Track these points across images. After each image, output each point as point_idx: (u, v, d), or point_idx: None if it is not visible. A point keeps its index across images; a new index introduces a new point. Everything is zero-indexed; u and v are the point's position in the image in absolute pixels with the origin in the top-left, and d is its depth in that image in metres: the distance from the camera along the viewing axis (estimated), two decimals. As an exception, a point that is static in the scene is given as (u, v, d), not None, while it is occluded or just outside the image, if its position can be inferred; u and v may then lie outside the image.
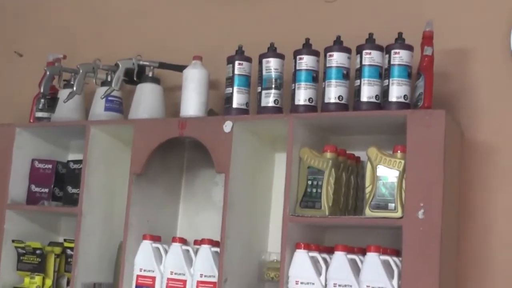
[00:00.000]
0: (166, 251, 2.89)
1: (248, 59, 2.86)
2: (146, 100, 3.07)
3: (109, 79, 3.12)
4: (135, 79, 3.11)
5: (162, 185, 3.10)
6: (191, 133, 2.84)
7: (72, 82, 3.12)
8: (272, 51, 2.80)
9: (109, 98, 3.12)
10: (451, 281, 2.62)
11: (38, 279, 3.18)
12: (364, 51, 2.63)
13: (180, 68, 2.99)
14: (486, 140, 2.78)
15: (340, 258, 2.53)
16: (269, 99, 2.75)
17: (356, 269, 2.52)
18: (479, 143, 2.78)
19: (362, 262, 2.51)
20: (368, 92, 2.60)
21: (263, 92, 2.77)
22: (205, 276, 2.77)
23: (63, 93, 3.20)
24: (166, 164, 3.12)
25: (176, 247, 2.85)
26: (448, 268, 2.54)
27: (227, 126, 2.75)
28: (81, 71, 3.07)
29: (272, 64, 2.77)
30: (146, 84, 3.10)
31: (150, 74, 3.13)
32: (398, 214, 2.46)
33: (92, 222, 3.07)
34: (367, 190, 2.54)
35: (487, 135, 2.78)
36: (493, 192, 2.75)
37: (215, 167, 2.77)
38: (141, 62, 3.12)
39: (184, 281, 2.80)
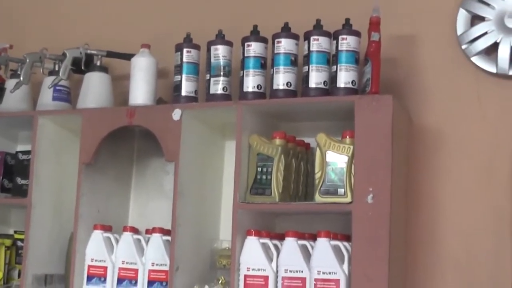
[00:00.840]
0: (117, 241, 2.86)
1: (197, 47, 2.85)
2: (94, 89, 3.03)
3: (56, 68, 3.08)
4: (82, 68, 3.07)
5: (112, 175, 3.08)
6: (140, 121, 2.82)
7: (19, 72, 3.06)
8: (220, 39, 2.79)
9: (57, 87, 3.08)
10: (400, 265, 2.65)
11: (-10, 272, 3.15)
12: (311, 37, 2.63)
13: (128, 57, 2.96)
14: (434, 125, 2.81)
15: (291, 244, 2.54)
16: (218, 86, 2.74)
17: (307, 255, 2.53)
18: (427, 128, 2.81)
19: (312, 247, 2.53)
20: (316, 78, 2.61)
21: (212, 79, 2.76)
22: (156, 264, 2.76)
23: (10, 83, 3.15)
24: (116, 154, 3.09)
25: (127, 236, 2.83)
26: (398, 252, 2.57)
27: (176, 114, 2.73)
28: (27, 60, 3.02)
29: (220, 52, 2.76)
30: (94, 73, 3.06)
31: (98, 63, 3.09)
32: (348, 199, 2.48)
33: (42, 213, 3.03)
34: (317, 176, 2.55)
35: (434, 120, 2.82)
36: (441, 177, 2.79)
37: (165, 156, 2.76)
38: (88, 51, 3.08)
39: (136, 270, 2.79)
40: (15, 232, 3.27)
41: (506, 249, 2.68)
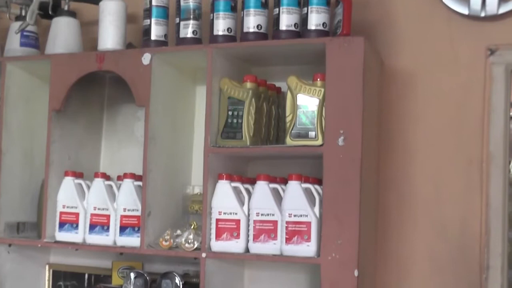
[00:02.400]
0: (88, 187, 2.85)
1: (166, -10, 2.80)
2: (63, 34, 2.97)
3: (23, 13, 3.02)
4: (50, 13, 3.01)
5: (82, 122, 3.05)
6: (110, 66, 2.78)
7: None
8: (190, -19, 2.74)
9: (24, 33, 3.02)
10: (371, 207, 2.66)
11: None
12: (279, -21, 2.60)
13: (96, 1, 2.90)
14: (406, 67, 2.80)
15: (262, 188, 2.54)
16: (188, 30, 2.70)
17: (279, 198, 2.53)
18: (399, 71, 2.80)
19: (284, 191, 2.53)
20: (287, 21, 2.58)
21: (182, 23, 2.71)
22: (128, 210, 2.75)
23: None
24: (86, 101, 3.07)
25: (98, 182, 2.82)
26: (369, 195, 2.58)
27: (146, 58, 2.70)
28: (-8, 4, 2.97)
29: (190, -6, 2.72)
30: (62, 18, 2.99)
31: (66, 8, 3.02)
32: (319, 142, 2.48)
33: (12, 161, 3.00)
34: (288, 119, 2.54)
35: (406, 63, 2.81)
36: (413, 120, 2.79)
37: (135, 101, 2.72)
38: (55, -5, 3.02)
39: (108, 216, 2.78)
40: (-14, 180, 3.23)
41: (475, 191, 2.70)
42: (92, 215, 2.80)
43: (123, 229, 2.75)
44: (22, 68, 3.02)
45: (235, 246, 2.55)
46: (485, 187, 2.69)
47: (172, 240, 2.65)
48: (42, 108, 2.94)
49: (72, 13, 3.03)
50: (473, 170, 2.71)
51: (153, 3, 2.76)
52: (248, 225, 2.54)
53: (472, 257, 2.70)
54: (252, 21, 2.61)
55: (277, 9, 2.59)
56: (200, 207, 2.72)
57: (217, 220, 2.56)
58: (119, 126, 3.17)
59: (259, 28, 2.61)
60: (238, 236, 2.54)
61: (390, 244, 2.79)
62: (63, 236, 2.84)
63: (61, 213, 2.85)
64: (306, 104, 2.51)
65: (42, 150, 2.91)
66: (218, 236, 2.56)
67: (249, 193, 2.58)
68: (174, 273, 2.84)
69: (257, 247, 2.52)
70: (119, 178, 2.86)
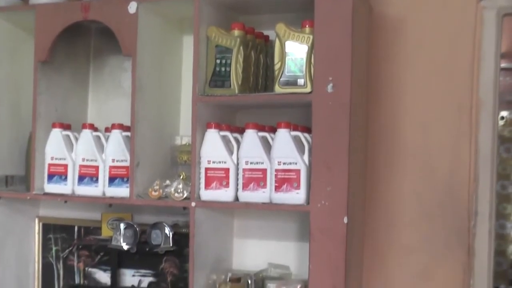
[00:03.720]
0: (76, 139, 2.83)
1: None
2: (47, -17, 2.93)
3: (5, -37, 2.97)
4: (33, -38, 2.96)
5: (69, 73, 3.02)
6: (95, 16, 2.74)
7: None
8: None
9: (8, -17, 2.98)
10: (360, 154, 2.66)
11: None
12: None
13: None
14: (395, 13, 2.78)
15: (251, 136, 2.52)
16: (174, -23, 2.67)
17: (267, 147, 2.52)
18: (388, 17, 2.78)
19: (273, 139, 2.52)
20: (274, -33, 2.55)
21: (168, -30, 2.68)
22: (117, 161, 2.73)
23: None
24: (72, 52, 3.03)
25: (86, 133, 2.79)
26: (358, 142, 2.57)
27: (132, 7, 2.66)
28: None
29: None
30: (45, -33, 2.95)
31: (49, -43, 2.97)
32: (307, 89, 2.46)
33: (-1, 115, 2.98)
34: (276, 67, 2.52)
35: (395, 9, 2.79)
36: (402, 66, 2.78)
37: (122, 50, 2.69)
38: None
39: (96, 167, 2.76)
40: (-27, 134, 3.21)
41: (464, 138, 2.70)
42: (80, 166, 2.79)
43: (112, 180, 2.74)
44: (6, 19, 2.98)
45: (224, 195, 2.54)
46: (474, 134, 2.70)
47: (161, 190, 2.65)
48: (28, 60, 2.90)
49: (56, -38, 2.97)
50: (462, 116, 2.71)
51: (139, -51, 2.71)
52: (237, 174, 2.54)
53: (460, 203, 2.72)
54: (239, -33, 2.57)
55: (265, -45, 2.55)
56: (189, 157, 2.71)
57: (206, 169, 2.56)
58: (106, 77, 3.14)
59: (246, -26, 2.57)
60: (227, 185, 2.54)
61: (379, 191, 2.80)
62: (52, 188, 2.83)
63: (49, 165, 2.83)
64: (295, 51, 2.49)
65: (29, 103, 2.88)
66: (207, 185, 2.56)
67: (238, 142, 2.57)
68: (164, 223, 2.85)
69: (247, 196, 2.52)
70: (107, 129, 2.84)
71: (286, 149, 2.46)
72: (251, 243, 2.87)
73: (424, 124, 2.75)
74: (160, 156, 2.83)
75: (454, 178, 2.73)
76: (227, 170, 2.54)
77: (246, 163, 2.52)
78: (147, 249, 2.90)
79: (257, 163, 2.51)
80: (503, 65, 4.45)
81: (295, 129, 2.51)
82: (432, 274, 2.75)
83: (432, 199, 2.75)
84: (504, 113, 4.89)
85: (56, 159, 2.82)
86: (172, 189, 2.62)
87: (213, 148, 2.55)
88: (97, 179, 2.76)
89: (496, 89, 2.67)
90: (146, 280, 3.02)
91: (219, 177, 2.54)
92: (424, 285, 2.76)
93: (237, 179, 2.54)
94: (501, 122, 4.83)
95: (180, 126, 2.95)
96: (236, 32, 2.57)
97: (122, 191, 2.71)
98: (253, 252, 2.86)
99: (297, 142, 2.48)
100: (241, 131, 2.60)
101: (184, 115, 2.92)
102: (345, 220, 2.37)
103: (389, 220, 2.79)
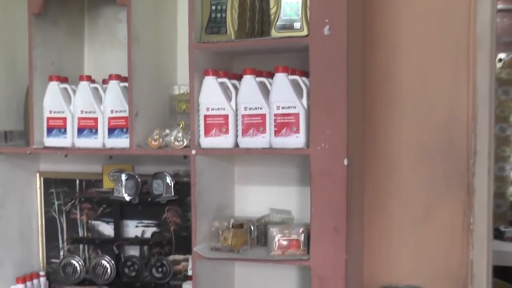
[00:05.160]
0: (74, 91, 2.82)
1: None
2: None
3: None
4: None
5: (63, 26, 3.00)
6: (88, -35, 2.72)
7: None
8: None
9: None
10: (359, 98, 2.66)
11: None
12: None
13: None
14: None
15: (249, 82, 2.52)
16: None
17: (266, 92, 2.52)
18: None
19: (271, 84, 2.51)
20: None
21: None
22: (115, 111, 2.73)
23: None
24: (66, 4, 3.00)
25: (84, 85, 2.78)
26: (356, 85, 2.57)
27: (124, -45, 2.64)
28: None
29: None
30: None
31: None
32: (304, 32, 2.45)
33: (-5, 70, 2.97)
34: (272, 11, 2.50)
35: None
36: (397, 6, 2.75)
37: (116, 0, 2.67)
38: None
39: (95, 119, 2.76)
40: (-30, 91, 3.20)
41: (462, 78, 2.70)
42: (79, 118, 2.79)
43: (111, 131, 2.74)
44: (-2, -28, 2.95)
45: (224, 141, 2.55)
46: (472, 75, 2.69)
47: (161, 140, 2.65)
48: (21, 13, 2.87)
49: None
50: (460, 57, 2.71)
51: None
52: (237, 120, 2.54)
53: (459, 144, 2.73)
54: None
55: None
56: (187, 106, 2.71)
57: (205, 117, 2.56)
58: (101, 29, 3.12)
59: None
60: (227, 132, 2.54)
61: (378, 134, 2.80)
62: (51, 141, 2.83)
63: (48, 118, 2.83)
64: (290, -5, 2.47)
65: (25, 57, 2.87)
66: (207, 133, 2.56)
67: (236, 89, 2.57)
68: (165, 173, 2.86)
69: (246, 142, 2.52)
70: (104, 81, 2.83)
71: (284, 93, 2.46)
72: (252, 189, 2.88)
73: (421, 67, 2.74)
74: (159, 106, 2.82)
75: (452, 119, 2.73)
76: (226, 117, 2.54)
77: (245, 109, 2.52)
78: (149, 200, 2.92)
79: (256, 108, 2.51)
80: (500, 6, 4.44)
81: (292, 73, 2.50)
82: (432, 215, 2.77)
83: (431, 141, 2.76)
84: (501, 55, 4.87)
85: (54, 112, 2.82)
86: (172, 138, 2.62)
87: (212, 95, 2.55)
88: (96, 131, 2.76)
89: (493, 26, 2.66)
90: (150, 230, 3.04)
91: (218, 124, 2.55)
92: (425, 226, 2.78)
93: (236, 126, 2.54)
94: (499, 65, 4.81)
95: (178, 75, 2.94)
96: (231, -24, 2.55)
97: (122, 141, 2.71)
98: (255, 198, 2.87)
99: (295, 86, 2.48)
100: (239, 77, 2.59)
101: (181, 64, 2.90)
102: (345, 162, 2.38)
103: (388, 162, 2.80)
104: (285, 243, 2.52)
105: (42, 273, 3.19)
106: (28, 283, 3.08)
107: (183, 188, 2.86)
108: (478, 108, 2.68)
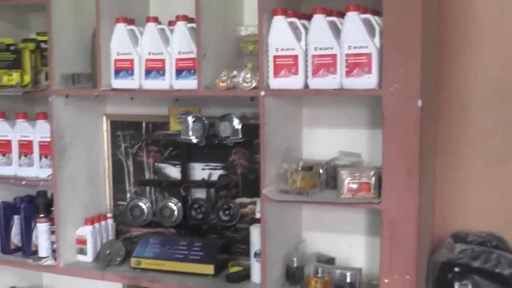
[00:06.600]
0: (141, 33, 2.80)
1: None
2: None
3: None
4: None
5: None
6: None
7: None
8: None
9: None
10: (432, 37, 2.59)
11: (16, 75, 3.11)
12: None
13: None
14: None
15: (319, 21, 2.45)
16: None
17: (337, 32, 2.45)
18: None
19: (342, 24, 2.44)
20: None
21: None
22: (183, 53, 2.70)
23: None
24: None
25: (151, 27, 2.76)
26: (430, 24, 2.50)
27: None
28: None
29: None
30: None
31: None
32: (377, -31, 2.36)
33: (62, 12, 2.96)
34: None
35: None
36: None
37: None
38: None
39: (163, 60, 2.74)
40: (38, 34, 3.20)
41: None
42: (147, 60, 2.77)
43: (179, 72, 2.71)
44: None
45: (293, 82, 2.50)
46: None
47: (229, 81, 2.62)
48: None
49: None
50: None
51: None
52: (306, 61, 2.48)
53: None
54: None
55: None
56: (255, 47, 2.67)
57: (275, 57, 2.50)
58: (166, -31, 3.08)
59: None
60: (296, 72, 2.49)
61: (452, 75, 2.73)
62: (119, 83, 2.82)
63: (115, 60, 2.82)
64: None
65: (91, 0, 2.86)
66: (276, 74, 2.51)
67: (306, 29, 2.50)
68: (232, 115, 2.84)
69: (316, 82, 2.46)
70: (171, 23, 2.80)
71: (356, 32, 2.39)
72: (320, 132, 2.83)
73: (500, 4, 2.63)
74: (226, 47, 2.78)
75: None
76: (295, 57, 2.49)
77: (315, 49, 2.46)
78: (216, 142, 2.90)
79: (326, 48, 2.44)
80: None
81: (364, 12, 2.43)
82: (508, 159, 2.68)
83: (507, 83, 2.66)
84: None
85: (121, 54, 2.81)
86: (240, 79, 2.59)
87: (281, 35, 2.49)
88: (164, 73, 2.74)
89: None
90: (216, 173, 3.03)
91: (288, 65, 2.49)
92: (499, 170, 2.70)
93: (306, 66, 2.48)
94: None
95: (244, 16, 2.88)
96: None
97: (189, 83, 2.69)
98: (323, 141, 2.82)
99: (367, 25, 2.41)
100: (308, 18, 2.53)
101: (248, 4, 2.85)
102: (419, 103, 2.31)
103: (463, 104, 2.72)
104: (355, 186, 2.48)
105: (109, 215, 3.23)
106: (96, 225, 3.12)
107: (250, 130, 2.83)
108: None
